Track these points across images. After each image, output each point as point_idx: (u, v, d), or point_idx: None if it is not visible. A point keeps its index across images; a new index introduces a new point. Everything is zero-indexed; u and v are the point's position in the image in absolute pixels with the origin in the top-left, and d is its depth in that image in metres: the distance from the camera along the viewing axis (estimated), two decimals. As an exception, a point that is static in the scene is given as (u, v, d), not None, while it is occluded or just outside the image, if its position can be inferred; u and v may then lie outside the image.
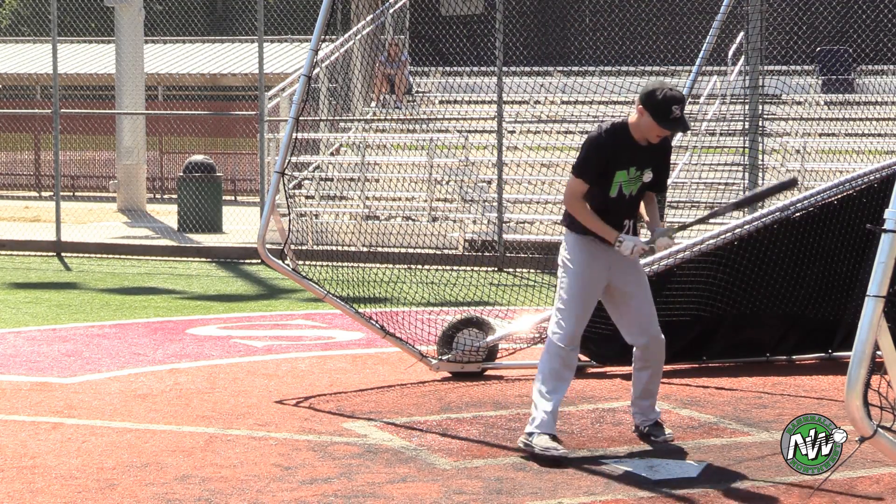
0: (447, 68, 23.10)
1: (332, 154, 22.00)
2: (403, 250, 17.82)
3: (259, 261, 17.20)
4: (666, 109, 7.00)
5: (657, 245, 7.28)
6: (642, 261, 9.78)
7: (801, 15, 19.77)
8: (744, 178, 14.62)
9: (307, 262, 10.32)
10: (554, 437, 7.12)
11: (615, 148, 7.16)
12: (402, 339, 9.51)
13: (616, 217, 7.25)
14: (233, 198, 31.76)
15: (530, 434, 7.17)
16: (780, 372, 9.74)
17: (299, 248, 18.00)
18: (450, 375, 9.45)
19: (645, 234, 7.50)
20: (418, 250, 17.96)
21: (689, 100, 11.29)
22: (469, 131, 21.45)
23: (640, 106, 7.08)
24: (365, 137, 21.42)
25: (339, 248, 18.72)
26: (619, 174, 7.18)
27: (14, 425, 7.93)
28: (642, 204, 7.39)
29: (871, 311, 5.48)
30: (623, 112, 18.58)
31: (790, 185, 7.82)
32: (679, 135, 8.24)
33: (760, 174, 14.51)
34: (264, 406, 8.51)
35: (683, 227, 7.67)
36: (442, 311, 11.27)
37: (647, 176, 7.24)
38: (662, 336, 7.44)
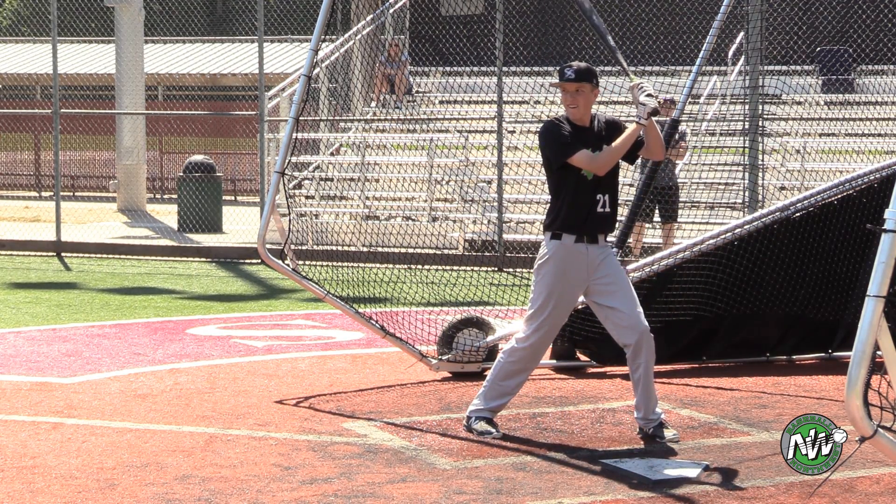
0: (447, 68, 23.10)
1: (332, 154, 22.00)
2: (403, 250, 17.82)
3: (259, 261, 17.20)
4: (560, 71, 7.50)
5: (644, 93, 7.44)
6: (642, 261, 9.80)
7: (801, 15, 19.78)
8: (744, 178, 14.62)
9: (307, 262, 10.33)
10: (491, 422, 7.64)
11: (571, 133, 7.46)
12: (402, 339, 9.51)
13: (587, 197, 7.40)
14: (233, 198, 31.75)
15: (469, 417, 7.69)
16: (780, 372, 9.74)
17: (299, 248, 17.99)
18: (450, 375, 9.46)
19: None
20: (418, 250, 17.96)
21: (690, 100, 11.28)
22: (469, 131, 21.46)
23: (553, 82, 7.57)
24: (365, 137, 21.42)
25: (339, 248, 18.72)
26: None
27: (14, 425, 7.93)
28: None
29: (871, 311, 5.48)
30: (623, 112, 18.60)
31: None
32: (677, 136, 8.27)
33: (760, 174, 14.51)
34: (264, 406, 8.51)
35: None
36: (442, 311, 11.27)
37: None
38: (650, 331, 7.47)
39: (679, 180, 17.54)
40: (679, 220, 16.77)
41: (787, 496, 6.40)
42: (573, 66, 7.49)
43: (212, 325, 12.33)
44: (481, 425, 7.60)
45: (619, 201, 7.64)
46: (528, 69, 22.22)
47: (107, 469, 6.87)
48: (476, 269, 16.50)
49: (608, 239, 7.61)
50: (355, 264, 15.24)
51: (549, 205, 7.57)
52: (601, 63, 20.63)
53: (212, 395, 8.88)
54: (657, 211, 16.17)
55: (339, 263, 13.94)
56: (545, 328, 7.54)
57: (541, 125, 7.63)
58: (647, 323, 7.48)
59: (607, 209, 7.45)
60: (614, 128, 7.55)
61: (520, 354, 7.61)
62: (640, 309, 7.50)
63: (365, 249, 18.43)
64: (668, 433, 7.51)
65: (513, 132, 21.13)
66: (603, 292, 7.46)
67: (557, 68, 7.56)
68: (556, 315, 7.53)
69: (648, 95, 7.43)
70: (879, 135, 19.60)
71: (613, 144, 7.40)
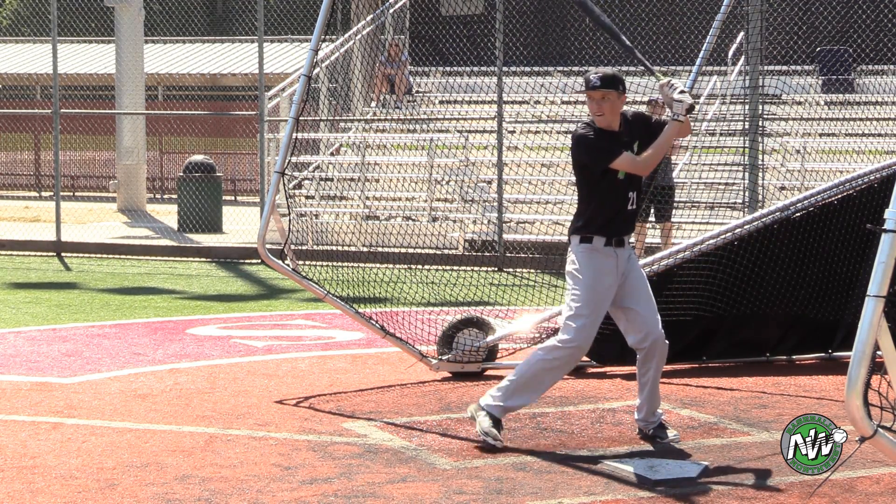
0: (447, 68, 23.10)
1: (332, 154, 22.00)
2: (403, 250, 17.82)
3: (259, 261, 17.20)
4: (586, 79, 7.37)
5: (677, 90, 7.38)
6: (642, 260, 9.80)
7: (801, 15, 19.78)
8: (744, 178, 14.62)
9: (307, 262, 10.33)
10: (498, 423, 7.39)
11: (602, 139, 7.34)
12: (402, 339, 9.51)
13: (620, 197, 7.36)
14: (233, 198, 31.75)
15: (481, 408, 7.43)
16: (780, 372, 9.74)
17: (299, 248, 18.00)
18: (450, 375, 9.46)
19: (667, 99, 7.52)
20: (418, 250, 17.95)
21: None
22: (469, 131, 21.45)
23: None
24: (365, 137, 21.42)
25: (339, 248, 18.72)
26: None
27: (14, 425, 7.93)
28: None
29: (871, 311, 5.48)
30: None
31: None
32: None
33: (760, 174, 14.51)
34: (264, 406, 8.51)
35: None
36: (442, 311, 11.27)
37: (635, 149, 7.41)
38: (666, 339, 7.46)
39: (679, 180, 17.54)
40: (679, 220, 16.76)
41: (787, 496, 6.40)
42: (598, 73, 7.37)
43: (212, 325, 12.33)
44: (487, 423, 7.38)
45: None
46: (528, 69, 22.22)
47: (107, 469, 6.87)
48: (476, 269, 16.50)
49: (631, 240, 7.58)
50: (355, 264, 15.24)
51: (576, 209, 7.49)
52: (610, 63, 20.63)
53: (212, 395, 8.88)
54: (652, 210, 16.18)
55: (339, 263, 13.95)
56: (588, 329, 7.35)
57: (573, 133, 7.45)
58: (662, 331, 7.45)
59: (635, 206, 7.43)
60: (642, 122, 7.49)
61: (560, 353, 7.38)
62: (658, 316, 7.47)
63: (365, 249, 18.43)
64: (670, 433, 7.51)
65: (513, 132, 21.13)
66: (625, 294, 7.42)
67: (584, 75, 7.44)
68: (598, 316, 7.40)
69: (682, 92, 7.37)
70: (879, 135, 19.60)
71: (655, 144, 7.32)
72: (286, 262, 9.14)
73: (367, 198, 20.35)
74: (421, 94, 23.15)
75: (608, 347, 9.33)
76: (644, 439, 7.53)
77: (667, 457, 7.17)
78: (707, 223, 16.34)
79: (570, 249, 7.48)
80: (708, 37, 10.42)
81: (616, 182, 7.34)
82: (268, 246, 9.12)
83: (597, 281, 7.34)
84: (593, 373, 9.66)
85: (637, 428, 7.64)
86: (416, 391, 9.03)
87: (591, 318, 7.34)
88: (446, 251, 18.15)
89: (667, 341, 7.46)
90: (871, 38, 19.86)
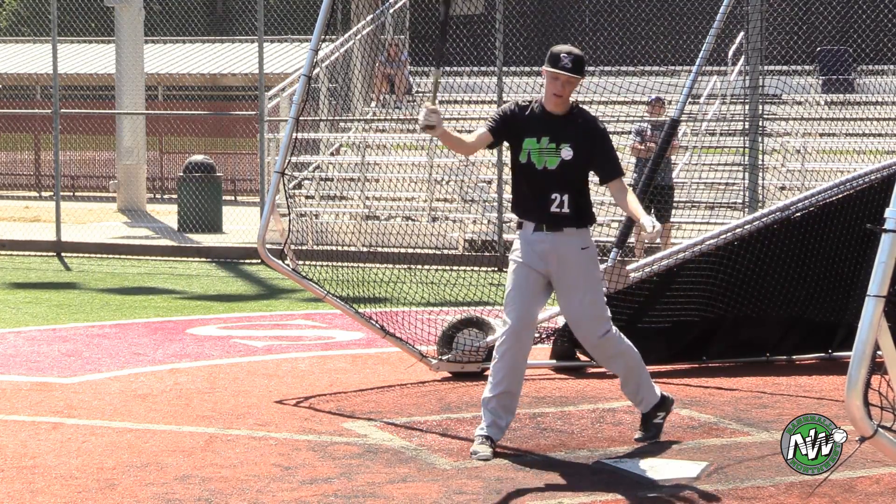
0: (447, 68, 23.09)
1: (332, 154, 22.00)
2: (403, 250, 17.81)
3: (259, 261, 17.19)
4: (555, 57, 7.16)
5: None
6: (642, 261, 9.80)
7: (801, 15, 19.77)
8: (744, 178, 14.61)
9: (307, 262, 10.32)
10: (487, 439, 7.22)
11: (524, 114, 7.26)
12: (402, 339, 9.51)
13: (534, 188, 7.25)
14: (233, 198, 31.74)
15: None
16: (780, 372, 9.74)
17: (299, 248, 17.99)
18: (450, 375, 9.45)
19: (637, 232, 7.51)
20: (418, 250, 17.95)
21: (690, 100, 11.28)
22: (469, 131, 21.42)
23: (543, 68, 7.21)
24: (365, 137, 21.42)
25: (339, 248, 18.72)
26: (527, 141, 7.24)
27: (14, 425, 7.93)
28: (629, 203, 7.31)
29: (871, 311, 5.48)
30: (623, 112, 18.61)
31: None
32: (680, 134, 8.25)
33: (760, 174, 14.51)
34: (264, 406, 8.51)
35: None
36: (442, 311, 11.27)
37: (566, 152, 7.20)
38: (610, 337, 7.31)
39: (679, 180, 17.54)
40: (679, 220, 16.76)
41: (787, 496, 6.40)
42: (571, 55, 7.17)
43: (212, 325, 12.33)
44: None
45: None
46: (528, 69, 22.22)
47: (107, 469, 6.87)
48: (476, 269, 16.50)
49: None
50: (355, 264, 15.24)
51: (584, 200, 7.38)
52: (613, 64, 20.65)
53: (212, 395, 8.88)
54: (652, 211, 16.17)
55: (339, 263, 13.93)
56: (518, 306, 7.35)
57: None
58: (606, 332, 7.32)
59: (565, 210, 7.31)
60: (594, 135, 7.28)
61: (501, 340, 7.42)
62: (604, 317, 7.33)
63: (365, 249, 18.43)
64: (644, 433, 7.50)
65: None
66: (565, 285, 7.30)
67: (551, 49, 7.21)
68: (525, 291, 7.36)
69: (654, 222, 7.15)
70: (879, 135, 19.59)
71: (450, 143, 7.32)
72: (286, 262, 9.14)
73: (367, 198, 20.35)
74: (421, 94, 23.14)
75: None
76: (641, 433, 7.53)
77: (667, 457, 7.17)
78: (707, 223, 16.34)
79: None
80: (708, 37, 10.41)
81: (518, 163, 7.26)
82: (268, 246, 9.11)
83: (520, 260, 7.31)
84: (593, 373, 9.66)
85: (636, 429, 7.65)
86: (416, 391, 9.03)
87: (517, 300, 7.23)
88: (446, 251, 18.15)
89: (610, 338, 7.32)
90: (871, 38, 19.86)
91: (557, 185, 7.22)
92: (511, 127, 7.29)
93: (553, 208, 7.22)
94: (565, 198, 7.22)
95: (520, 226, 7.39)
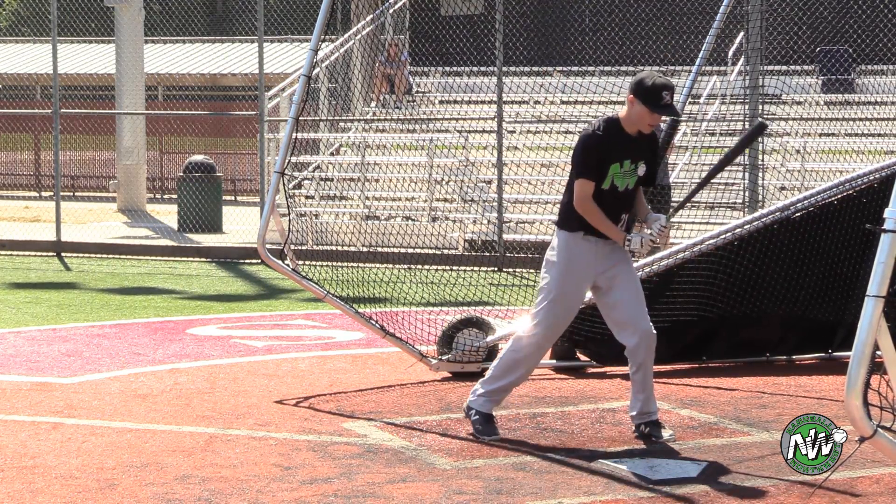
0: (447, 68, 23.09)
1: (332, 154, 22.00)
2: (403, 250, 17.80)
3: (259, 261, 17.19)
4: (657, 95, 7.13)
5: (654, 231, 7.30)
6: (642, 261, 9.80)
7: (801, 15, 19.77)
8: (744, 178, 14.61)
9: (307, 262, 10.32)
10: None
11: (609, 142, 7.25)
12: (402, 339, 9.51)
13: (610, 211, 7.30)
14: (233, 198, 31.74)
15: (471, 409, 7.57)
16: (780, 372, 9.74)
17: (299, 248, 17.99)
18: (450, 375, 9.45)
19: (639, 227, 7.53)
20: (418, 250, 17.95)
21: (690, 100, 11.28)
22: (469, 131, 21.45)
23: (631, 95, 7.18)
24: (365, 137, 21.42)
25: (339, 248, 18.72)
26: (612, 167, 7.27)
27: (14, 425, 7.93)
28: (641, 200, 7.46)
29: (871, 311, 5.48)
30: (614, 111, 18.58)
31: (761, 129, 7.82)
32: (680, 133, 8.27)
33: (760, 174, 14.51)
34: (264, 406, 8.51)
35: (679, 207, 7.71)
36: (442, 311, 11.27)
37: (641, 169, 7.31)
38: (654, 331, 7.45)
39: (679, 180, 17.53)
40: (679, 220, 16.75)
41: (787, 496, 6.40)
42: (671, 90, 7.13)
43: (212, 325, 12.33)
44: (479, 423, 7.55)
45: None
46: (528, 69, 22.22)
47: (107, 469, 6.87)
48: (476, 269, 16.50)
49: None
50: (355, 264, 15.24)
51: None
52: (612, 64, 20.64)
53: (212, 395, 8.88)
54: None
55: (339, 263, 13.93)
56: (556, 313, 7.53)
57: (587, 126, 7.36)
58: (650, 325, 7.44)
59: (624, 227, 7.47)
60: (651, 142, 7.39)
61: (525, 342, 7.65)
62: (646, 310, 7.47)
63: (365, 249, 18.43)
64: (665, 433, 7.50)
65: (513, 132, 21.13)
66: (610, 287, 7.41)
67: (650, 87, 7.05)
68: (568, 299, 7.51)
69: (661, 231, 7.29)
70: (879, 135, 19.60)
71: (599, 220, 7.25)
72: (286, 262, 9.14)
73: (367, 198, 20.35)
74: (421, 94, 23.15)
75: (608, 347, 9.32)
76: (640, 438, 7.52)
77: (667, 457, 7.17)
78: (707, 223, 16.34)
79: (554, 236, 7.51)
80: (708, 37, 10.41)
81: (600, 191, 7.28)
82: (268, 246, 9.12)
83: (570, 267, 7.36)
84: (593, 373, 9.66)
85: (633, 426, 7.63)
86: (416, 391, 9.03)
87: (558, 307, 7.37)
88: (446, 251, 18.15)
89: (654, 332, 7.44)
90: (870, 38, 19.86)
91: (628, 205, 7.37)
92: (600, 163, 7.28)
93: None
94: (624, 217, 7.38)
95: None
